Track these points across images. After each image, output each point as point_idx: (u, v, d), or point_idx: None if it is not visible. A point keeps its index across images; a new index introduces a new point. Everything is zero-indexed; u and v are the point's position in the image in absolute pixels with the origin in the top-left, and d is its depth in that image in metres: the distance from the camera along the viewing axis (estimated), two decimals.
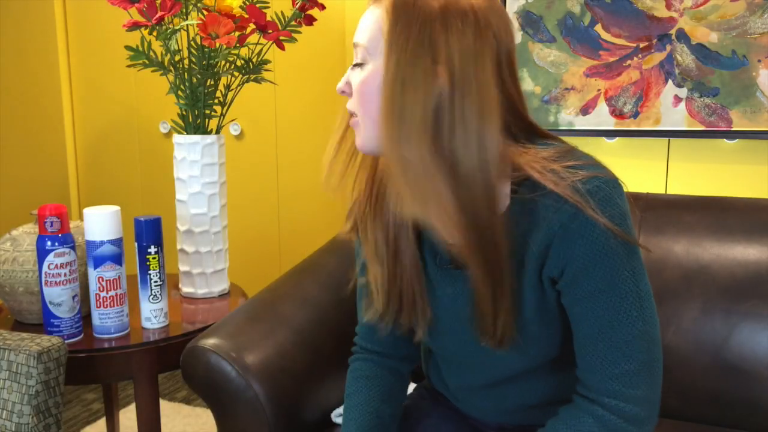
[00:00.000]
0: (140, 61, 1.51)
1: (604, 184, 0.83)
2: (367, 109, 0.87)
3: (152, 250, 1.36)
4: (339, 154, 0.97)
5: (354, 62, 0.89)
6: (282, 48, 1.53)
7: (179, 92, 1.56)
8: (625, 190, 0.86)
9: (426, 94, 0.81)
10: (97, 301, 1.33)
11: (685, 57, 1.65)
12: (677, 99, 1.67)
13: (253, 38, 1.53)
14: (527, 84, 1.80)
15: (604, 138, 1.76)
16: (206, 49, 1.52)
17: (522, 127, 0.89)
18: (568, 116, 1.77)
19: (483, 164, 0.82)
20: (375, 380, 1.06)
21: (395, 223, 0.95)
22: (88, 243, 1.31)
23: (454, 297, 0.95)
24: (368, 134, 0.88)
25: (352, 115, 0.90)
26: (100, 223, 1.30)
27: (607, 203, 0.82)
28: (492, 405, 1.03)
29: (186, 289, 1.62)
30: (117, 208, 1.33)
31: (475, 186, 0.83)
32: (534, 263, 0.87)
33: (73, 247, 1.31)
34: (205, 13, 1.48)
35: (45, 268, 1.29)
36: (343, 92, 0.91)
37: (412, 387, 1.24)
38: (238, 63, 1.60)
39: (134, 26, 1.44)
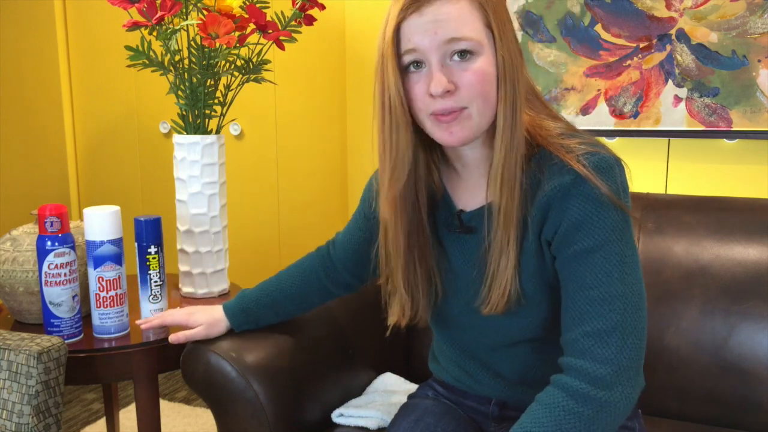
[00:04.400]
0: (140, 61, 1.51)
1: (607, 160, 0.91)
2: (486, 96, 0.90)
3: (152, 250, 1.36)
4: (415, 162, 0.98)
5: (457, 52, 0.88)
6: (282, 48, 1.53)
7: (179, 92, 1.56)
8: (627, 170, 0.94)
9: (523, 70, 0.93)
10: (97, 301, 1.33)
11: (685, 57, 1.65)
12: (677, 99, 1.67)
13: (253, 38, 1.53)
14: None
15: (604, 138, 1.76)
16: (206, 49, 1.52)
17: (531, 96, 0.98)
18: (567, 116, 1.77)
19: (522, 129, 0.92)
20: (317, 275, 1.24)
21: (412, 199, 1.00)
22: (88, 243, 1.31)
23: (463, 260, 1.01)
24: (481, 121, 0.91)
25: (454, 111, 0.89)
26: (100, 223, 1.30)
27: (606, 175, 0.90)
28: (503, 368, 1.06)
29: (186, 289, 1.61)
30: (117, 208, 1.33)
31: (521, 150, 0.92)
32: (535, 226, 0.93)
33: (73, 247, 1.31)
34: (205, 13, 1.48)
35: (45, 268, 1.29)
36: (447, 92, 0.89)
37: (415, 387, 1.24)
38: (238, 63, 1.60)
39: (134, 26, 1.44)
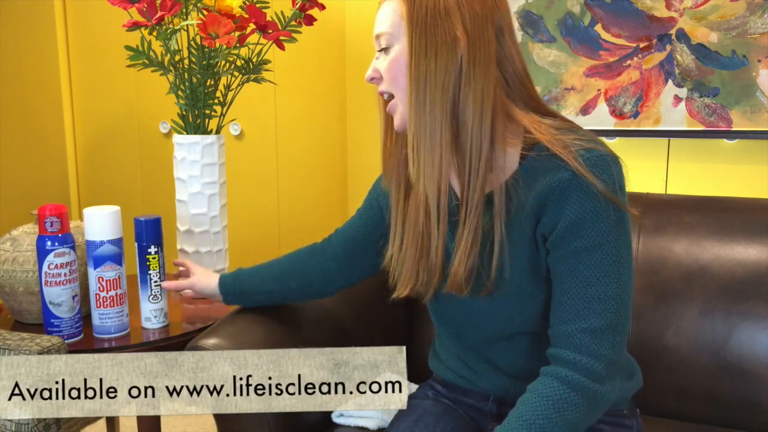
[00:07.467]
0: (140, 61, 1.51)
1: (604, 157, 0.91)
2: (399, 86, 0.95)
3: (152, 250, 1.36)
4: (389, 137, 1.05)
5: (378, 49, 0.97)
6: (282, 48, 1.53)
7: (179, 92, 1.56)
8: (624, 168, 0.94)
9: (449, 59, 0.90)
10: (97, 301, 1.33)
11: (685, 57, 1.65)
12: (677, 99, 1.67)
13: (253, 38, 1.53)
14: None
15: (603, 138, 1.76)
16: (206, 49, 1.52)
17: (525, 93, 0.97)
18: (567, 116, 1.77)
19: (484, 127, 0.91)
20: (317, 262, 1.25)
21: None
22: (88, 243, 1.31)
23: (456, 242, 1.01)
24: (404, 111, 0.95)
25: (388, 99, 0.98)
26: (100, 223, 1.30)
27: (603, 172, 0.90)
28: (502, 362, 1.06)
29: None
30: (117, 208, 1.33)
31: (475, 148, 0.92)
32: (530, 219, 0.94)
33: (73, 247, 1.31)
34: (205, 13, 1.48)
35: (45, 268, 1.29)
36: (372, 79, 0.99)
37: (414, 387, 1.24)
38: (238, 63, 1.60)
39: (134, 26, 1.44)
